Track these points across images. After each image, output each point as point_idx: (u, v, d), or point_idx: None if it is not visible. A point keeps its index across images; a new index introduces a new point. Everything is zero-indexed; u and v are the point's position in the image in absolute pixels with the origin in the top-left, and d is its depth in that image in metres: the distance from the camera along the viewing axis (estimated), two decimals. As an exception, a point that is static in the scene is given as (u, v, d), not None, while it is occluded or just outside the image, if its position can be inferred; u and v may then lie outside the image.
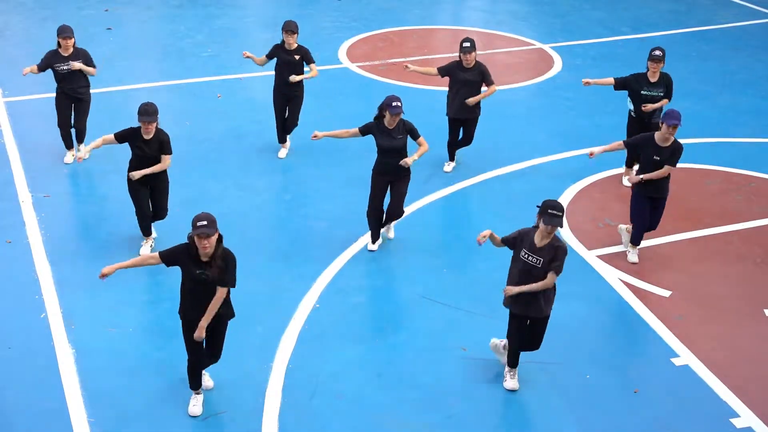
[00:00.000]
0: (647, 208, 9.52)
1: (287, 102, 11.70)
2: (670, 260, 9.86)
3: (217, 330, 7.23)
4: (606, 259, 9.80)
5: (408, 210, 10.32)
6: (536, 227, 7.29)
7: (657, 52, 10.81)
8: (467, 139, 11.58)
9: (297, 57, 11.40)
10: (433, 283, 9.36)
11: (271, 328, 8.43)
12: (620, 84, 11.07)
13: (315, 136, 9.55)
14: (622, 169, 11.62)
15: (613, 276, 9.50)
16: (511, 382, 7.74)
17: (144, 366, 7.90)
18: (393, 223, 9.98)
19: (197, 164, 11.52)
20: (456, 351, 8.24)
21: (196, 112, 13.37)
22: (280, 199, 11.03)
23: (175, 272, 9.32)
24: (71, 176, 11.34)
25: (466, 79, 11.10)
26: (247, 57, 11.64)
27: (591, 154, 9.63)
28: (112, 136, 9.17)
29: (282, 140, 12.01)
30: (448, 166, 11.73)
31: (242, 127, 12.88)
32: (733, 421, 7.49)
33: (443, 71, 11.28)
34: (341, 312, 8.77)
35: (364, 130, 9.51)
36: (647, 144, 9.34)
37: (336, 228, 10.26)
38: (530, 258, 7.28)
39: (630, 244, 9.77)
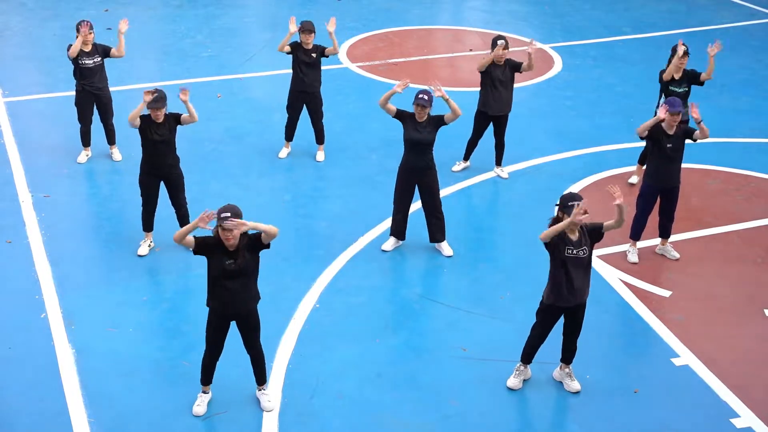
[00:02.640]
0: (653, 203, 9.57)
1: (304, 102, 11.64)
2: (670, 260, 9.86)
3: (250, 316, 7.21)
4: (606, 259, 9.80)
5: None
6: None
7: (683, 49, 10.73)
8: (502, 142, 11.49)
9: (314, 55, 11.42)
10: (433, 283, 9.36)
11: (271, 328, 8.41)
12: (663, 93, 10.95)
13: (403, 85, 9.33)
14: (634, 168, 11.58)
15: (613, 276, 9.50)
16: (574, 384, 7.73)
17: (144, 366, 7.89)
18: (445, 241, 9.82)
19: (197, 164, 11.51)
20: (456, 351, 8.24)
21: (196, 112, 13.34)
22: (280, 199, 11.03)
23: (175, 272, 9.37)
24: (71, 176, 11.33)
25: (499, 77, 11.04)
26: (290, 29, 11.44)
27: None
28: (137, 117, 9.13)
29: (290, 137, 11.96)
30: (458, 166, 11.67)
31: (242, 127, 12.88)
32: (733, 421, 7.49)
33: (481, 71, 11.12)
34: (341, 312, 8.77)
35: (399, 114, 9.37)
36: (659, 129, 9.32)
37: (336, 228, 10.26)
38: (576, 252, 7.29)
39: (631, 241, 9.77)
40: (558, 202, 7.39)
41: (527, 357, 7.76)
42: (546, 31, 17.98)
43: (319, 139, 11.93)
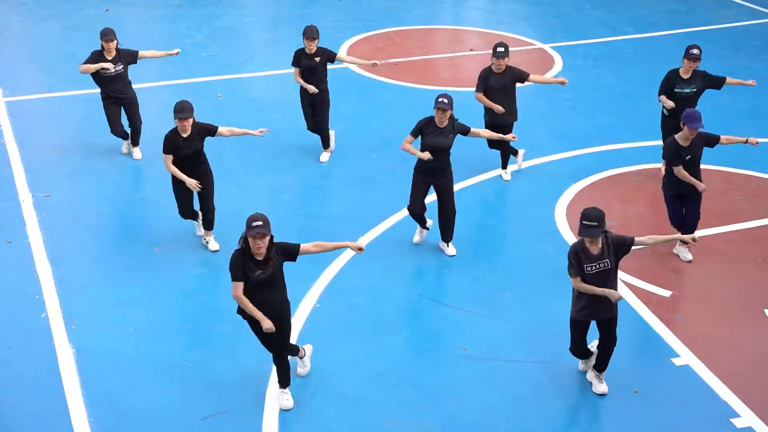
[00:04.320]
0: (679, 204, 9.58)
1: (313, 106, 11.66)
2: (670, 260, 9.86)
3: (285, 320, 7.27)
4: (606, 259, 9.80)
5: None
6: (581, 239, 7.25)
7: (695, 51, 10.64)
8: (506, 148, 11.48)
9: (317, 59, 11.38)
10: (433, 283, 9.36)
11: (271, 328, 8.42)
12: (663, 93, 10.90)
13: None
14: (632, 167, 11.59)
15: (613, 276, 9.49)
16: (601, 386, 7.74)
17: (144, 366, 7.89)
18: (452, 242, 9.85)
19: (197, 164, 11.51)
20: (456, 351, 8.23)
21: (196, 112, 13.32)
22: (280, 199, 11.03)
23: (175, 272, 9.37)
24: (71, 176, 11.34)
25: (500, 85, 10.99)
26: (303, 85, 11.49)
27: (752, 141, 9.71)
28: (169, 161, 9.23)
29: (311, 127, 11.88)
30: (507, 175, 11.55)
31: (242, 127, 12.85)
32: (734, 421, 7.49)
33: (480, 88, 11.08)
34: (341, 312, 8.77)
35: (416, 132, 9.36)
36: (676, 148, 9.29)
37: (336, 228, 10.26)
38: (597, 266, 7.23)
39: (679, 244, 9.81)
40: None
41: (582, 356, 7.81)
42: (546, 31, 17.98)
43: (324, 143, 11.93)
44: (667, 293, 9.24)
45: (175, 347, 8.16)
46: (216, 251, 9.65)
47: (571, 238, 10.10)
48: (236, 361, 7.83)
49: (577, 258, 7.23)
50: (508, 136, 10.08)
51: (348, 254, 9.71)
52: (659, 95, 10.96)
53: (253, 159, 11.89)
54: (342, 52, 15.29)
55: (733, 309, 9.02)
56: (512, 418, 7.49)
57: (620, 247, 7.28)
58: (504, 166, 11.61)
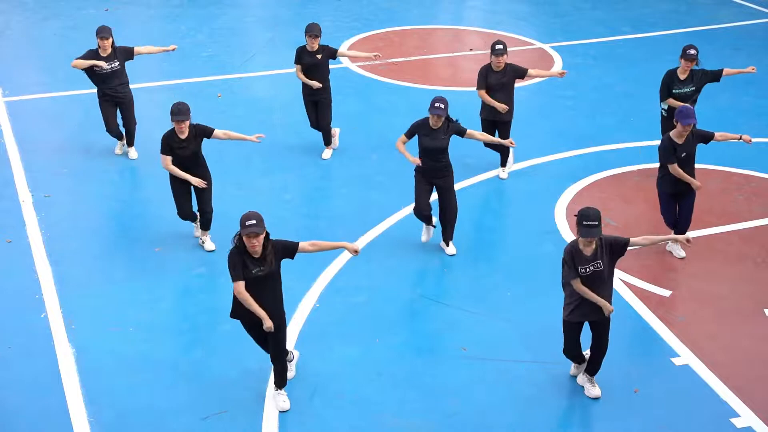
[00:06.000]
0: (673, 203, 9.58)
1: (315, 104, 11.68)
2: (670, 260, 9.86)
3: (283, 324, 7.29)
4: (606, 259, 9.80)
5: (409, 209, 10.30)
6: (578, 238, 7.20)
7: (692, 51, 10.66)
8: (504, 146, 11.47)
9: (320, 56, 11.40)
10: (433, 283, 9.36)
11: (271, 328, 8.42)
12: (664, 95, 10.94)
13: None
14: (632, 167, 11.58)
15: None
16: (594, 390, 7.71)
17: (144, 366, 7.89)
18: (452, 241, 9.85)
19: (197, 164, 11.51)
20: (456, 351, 8.24)
21: (197, 112, 13.32)
22: (281, 199, 11.03)
23: (176, 272, 9.37)
24: (71, 176, 11.34)
25: (499, 83, 11.01)
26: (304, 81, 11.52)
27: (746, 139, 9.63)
28: (167, 161, 9.24)
29: (314, 125, 11.92)
30: (504, 173, 11.57)
31: (242, 127, 12.79)
32: (733, 421, 7.49)
33: (482, 85, 11.08)
34: (341, 312, 8.77)
35: (410, 134, 9.44)
36: (671, 146, 9.31)
37: (336, 227, 10.26)
38: (591, 268, 7.21)
39: (670, 243, 9.83)
40: (576, 214, 7.19)
41: (575, 360, 7.80)
42: (546, 30, 17.98)
43: (325, 140, 11.94)
44: (666, 293, 9.24)
45: (175, 347, 8.16)
46: (212, 251, 9.64)
47: (570, 238, 10.10)
48: (236, 361, 7.83)
49: (572, 259, 7.23)
50: (506, 142, 10.06)
51: (348, 254, 9.71)
52: (662, 100, 10.96)
53: (253, 159, 11.90)
54: (342, 49, 15.29)
55: (733, 309, 9.02)
56: (512, 418, 7.49)
57: (615, 248, 7.24)
58: (503, 164, 11.61)
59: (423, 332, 8.56)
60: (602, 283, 7.27)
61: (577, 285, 7.22)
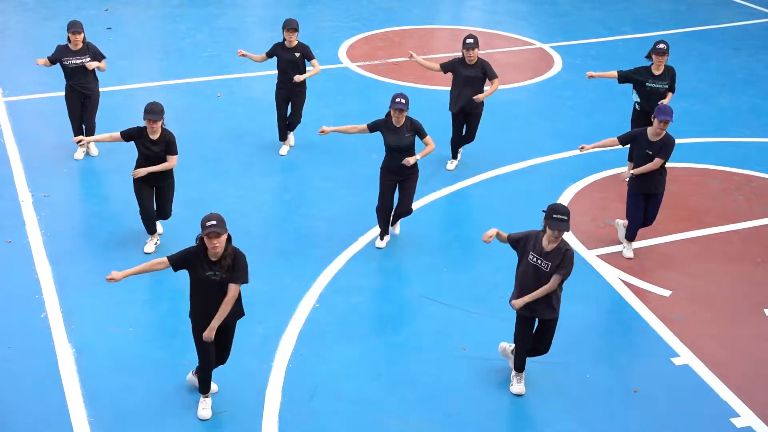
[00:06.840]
0: (642, 205, 9.56)
1: (289, 100, 11.72)
2: (670, 260, 9.86)
3: (229, 331, 7.23)
4: (606, 258, 9.80)
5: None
6: (544, 231, 7.23)
7: (661, 45, 10.84)
8: (470, 136, 11.58)
9: (297, 54, 11.42)
10: (433, 283, 9.36)
11: (271, 327, 8.43)
12: (623, 77, 11.10)
13: (322, 131, 9.55)
14: (624, 168, 11.61)
15: (613, 276, 9.50)
16: (517, 387, 7.70)
17: (144, 366, 7.89)
18: (399, 221, 10.00)
19: (197, 164, 11.51)
20: (456, 351, 8.24)
21: (196, 111, 13.37)
22: (281, 199, 11.03)
23: (175, 272, 9.35)
24: (71, 176, 11.33)
25: (468, 76, 11.13)
26: (243, 55, 11.65)
27: (582, 148, 9.63)
28: (118, 134, 9.19)
29: (283, 137, 12.01)
30: (451, 164, 11.72)
31: (242, 127, 12.88)
32: (733, 420, 7.49)
33: (446, 67, 11.30)
34: (341, 312, 8.77)
35: (372, 127, 9.50)
36: (640, 138, 9.37)
37: (336, 227, 10.26)
38: (538, 261, 7.23)
39: (625, 240, 9.81)
40: (545, 209, 7.20)
41: (522, 350, 7.75)
42: (546, 30, 17.98)
43: (284, 137, 12.00)
44: (666, 293, 9.24)
45: (175, 347, 8.16)
46: (149, 253, 9.52)
47: (571, 239, 10.11)
48: (236, 361, 7.82)
49: (527, 241, 7.27)
50: (411, 159, 9.47)
51: (348, 254, 9.72)
52: (637, 93, 11.04)
53: (253, 159, 11.89)
54: (340, 54, 15.34)
55: (733, 309, 9.02)
56: (512, 417, 7.49)
57: (565, 258, 7.16)
58: (454, 156, 11.74)
59: (423, 332, 8.56)
60: (537, 282, 7.27)
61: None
